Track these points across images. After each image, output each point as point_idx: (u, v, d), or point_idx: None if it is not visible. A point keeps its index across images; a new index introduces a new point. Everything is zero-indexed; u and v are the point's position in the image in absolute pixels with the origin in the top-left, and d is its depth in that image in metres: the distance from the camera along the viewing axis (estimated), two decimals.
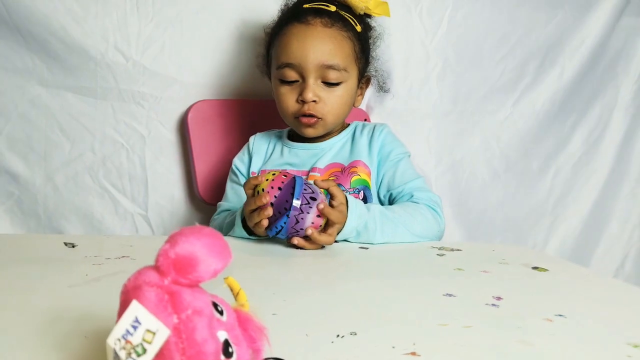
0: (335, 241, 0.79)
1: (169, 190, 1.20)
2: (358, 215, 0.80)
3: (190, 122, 1.14)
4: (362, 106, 1.25)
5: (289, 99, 0.94)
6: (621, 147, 1.36)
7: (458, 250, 0.76)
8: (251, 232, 0.81)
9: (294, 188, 0.74)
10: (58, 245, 0.73)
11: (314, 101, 0.92)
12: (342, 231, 0.78)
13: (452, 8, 1.22)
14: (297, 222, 0.73)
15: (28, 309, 0.48)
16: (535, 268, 0.67)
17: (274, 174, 0.77)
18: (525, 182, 1.32)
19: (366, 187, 0.96)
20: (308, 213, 0.74)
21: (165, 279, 0.29)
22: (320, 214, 0.75)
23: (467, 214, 1.30)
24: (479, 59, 1.25)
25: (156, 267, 0.29)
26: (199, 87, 1.17)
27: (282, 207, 0.74)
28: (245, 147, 1.05)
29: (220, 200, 1.02)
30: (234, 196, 1.00)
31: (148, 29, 1.13)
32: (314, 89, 0.91)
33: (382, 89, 1.11)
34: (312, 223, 0.75)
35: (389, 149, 0.98)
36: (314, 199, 0.75)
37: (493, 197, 1.30)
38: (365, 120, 1.24)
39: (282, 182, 0.75)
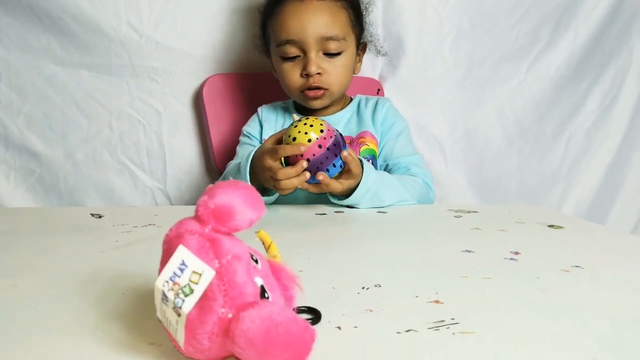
0: (348, 206, 0.81)
1: (186, 164, 1.22)
2: (373, 178, 0.81)
3: (205, 96, 1.16)
4: (375, 75, 1.26)
5: (293, 74, 0.95)
6: (635, 110, 1.35)
7: (475, 212, 0.78)
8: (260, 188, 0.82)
9: (345, 145, 0.76)
10: (85, 216, 0.75)
11: (319, 73, 0.94)
12: (359, 189, 0.79)
13: None
14: (328, 171, 0.75)
15: (65, 272, 0.50)
16: (551, 226, 0.69)
17: (321, 124, 0.75)
18: (539, 147, 1.32)
19: (374, 157, 1.00)
20: (341, 167, 0.76)
21: (206, 227, 0.30)
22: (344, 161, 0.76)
23: (482, 180, 1.30)
24: (492, 25, 1.24)
25: (196, 217, 0.31)
26: (211, 61, 1.18)
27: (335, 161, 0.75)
28: (254, 117, 1.06)
29: None
30: (246, 153, 1.02)
31: (159, 4, 1.14)
32: (316, 61, 0.93)
33: (380, 52, 1.13)
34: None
35: (391, 121, 1.02)
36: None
37: (507, 163, 1.31)
38: (378, 90, 1.25)
39: (335, 133, 0.75)
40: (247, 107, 1.17)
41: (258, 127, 1.05)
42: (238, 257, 0.30)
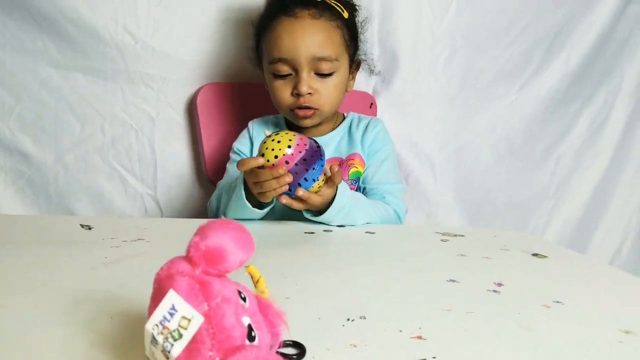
0: (321, 222, 0.83)
1: (177, 171, 1.23)
2: (348, 196, 0.84)
3: (198, 104, 1.16)
4: (369, 89, 1.27)
5: (283, 92, 0.96)
6: (624, 133, 1.37)
7: (461, 235, 0.79)
8: (253, 202, 0.83)
9: (320, 158, 0.76)
10: (75, 227, 0.75)
11: (310, 93, 0.94)
12: (333, 206, 0.81)
13: None
14: (300, 185, 0.76)
15: (55, 290, 0.50)
16: (535, 255, 0.70)
17: (290, 140, 0.75)
18: (528, 166, 1.34)
19: (359, 179, 1.01)
20: (314, 180, 0.76)
21: (196, 269, 0.31)
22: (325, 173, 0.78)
23: (469, 197, 1.32)
24: (486, 44, 1.26)
25: (188, 258, 0.32)
26: (207, 69, 1.18)
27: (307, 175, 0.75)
28: (245, 132, 1.07)
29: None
30: (236, 172, 1.02)
31: (157, 10, 1.14)
32: (308, 81, 0.93)
33: (373, 72, 1.14)
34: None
35: (378, 145, 1.03)
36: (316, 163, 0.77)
37: (496, 181, 1.32)
38: (372, 104, 1.26)
39: (305, 147, 0.76)
40: (240, 116, 1.18)
41: (248, 144, 1.05)
42: (227, 299, 0.31)
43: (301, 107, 0.95)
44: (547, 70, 1.30)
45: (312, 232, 0.79)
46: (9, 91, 1.13)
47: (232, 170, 1.02)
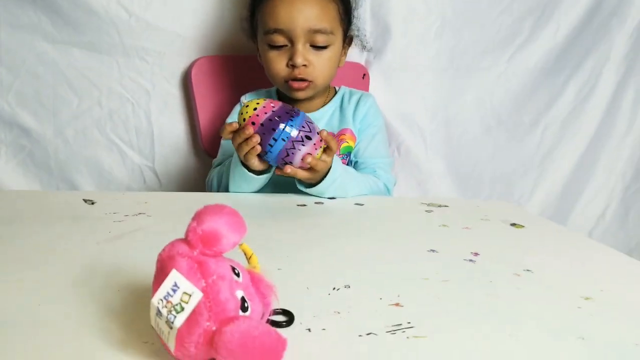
0: (313, 195, 0.87)
1: (174, 143, 1.26)
2: (340, 171, 0.87)
3: (193, 78, 1.18)
4: (361, 60, 1.29)
5: (278, 63, 0.98)
6: (610, 102, 1.40)
7: (445, 206, 0.83)
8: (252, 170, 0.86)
9: (292, 118, 0.79)
10: (78, 202, 0.79)
11: (304, 65, 0.96)
12: (327, 178, 0.85)
13: None
14: (287, 155, 0.79)
15: (62, 264, 0.55)
16: (513, 225, 0.75)
17: (257, 103, 0.80)
18: (515, 137, 1.38)
19: (350, 153, 1.05)
20: (299, 150, 0.79)
21: (194, 250, 0.35)
22: (317, 145, 0.81)
23: (458, 167, 1.36)
24: (476, 16, 1.27)
25: (186, 241, 0.36)
26: (201, 42, 1.20)
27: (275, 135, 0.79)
28: (237, 107, 1.09)
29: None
30: (229, 148, 1.06)
31: None
32: (303, 53, 0.95)
33: (365, 47, 1.16)
34: (302, 160, 0.80)
35: (369, 120, 1.05)
36: (309, 137, 0.80)
37: (484, 152, 1.36)
38: (364, 75, 1.28)
39: (273, 109, 0.79)
40: (234, 89, 1.21)
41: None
42: (222, 277, 0.35)
43: (295, 79, 0.97)
44: (536, 41, 1.32)
45: (304, 205, 0.83)
46: (6, 67, 1.16)
47: (226, 146, 1.05)
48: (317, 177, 0.84)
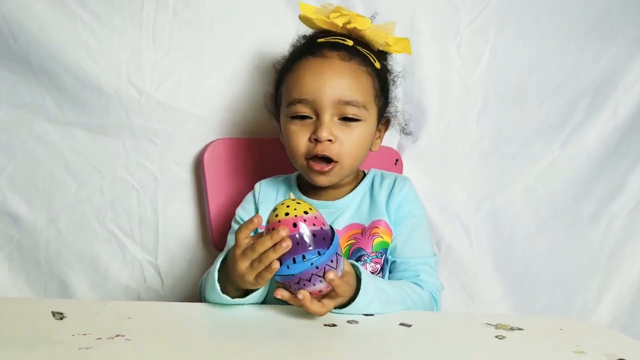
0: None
1: (181, 236, 1.10)
2: (373, 289, 0.69)
3: (206, 162, 1.05)
4: (394, 145, 1.15)
5: (300, 137, 0.83)
6: None
7: (518, 329, 0.63)
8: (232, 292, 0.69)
9: (331, 243, 0.63)
10: (45, 315, 0.62)
11: (330, 140, 0.81)
12: (356, 303, 0.67)
13: (494, 42, 1.12)
14: (309, 280, 0.62)
15: None
16: None
17: (311, 208, 0.63)
18: (575, 232, 1.19)
19: (387, 250, 0.86)
20: (320, 283, 0.62)
21: None
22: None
23: (510, 266, 1.17)
24: (522, 97, 1.14)
25: None
26: (216, 123, 1.08)
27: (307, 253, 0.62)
28: (250, 196, 0.93)
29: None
30: None
31: (164, 62, 1.05)
32: (330, 126, 0.81)
33: (404, 131, 1.00)
34: (320, 291, 0.63)
35: (406, 210, 0.87)
36: (340, 255, 0.63)
37: (539, 249, 1.17)
38: (397, 160, 1.14)
39: (323, 225, 0.63)
40: (252, 176, 1.06)
41: (252, 210, 0.91)
42: None
43: (317, 157, 0.82)
44: (591, 125, 1.17)
45: (334, 325, 0.64)
46: (1, 148, 1.04)
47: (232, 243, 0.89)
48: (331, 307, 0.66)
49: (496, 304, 1.15)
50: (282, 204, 0.64)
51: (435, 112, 1.13)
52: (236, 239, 0.67)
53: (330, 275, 0.62)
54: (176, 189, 1.09)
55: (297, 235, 0.61)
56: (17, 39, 0.98)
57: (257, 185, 0.94)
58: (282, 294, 0.63)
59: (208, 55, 1.07)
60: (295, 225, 0.61)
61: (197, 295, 0.85)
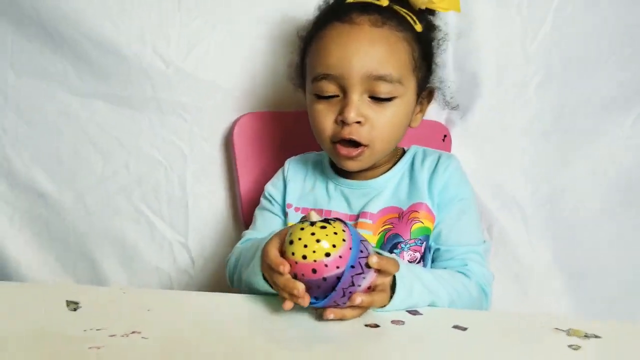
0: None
1: (211, 215, 1.04)
2: (406, 296, 0.60)
3: (236, 138, 0.97)
4: (442, 119, 1.04)
5: (325, 118, 0.73)
6: None
7: (595, 337, 0.53)
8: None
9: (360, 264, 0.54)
10: (59, 304, 0.57)
11: (358, 122, 0.71)
12: (393, 301, 0.59)
13: (559, 1, 0.98)
14: (344, 295, 0.53)
15: None
16: None
17: (334, 246, 0.53)
18: None
19: (428, 237, 0.76)
20: (359, 285, 0.53)
21: None
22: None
23: (570, 259, 1.05)
24: (591, 65, 1.00)
25: None
26: (248, 96, 1.00)
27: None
28: (279, 173, 0.86)
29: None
30: (265, 224, 0.82)
31: (191, 29, 0.97)
32: (358, 106, 0.71)
33: (449, 104, 0.88)
34: (369, 287, 0.55)
35: (452, 192, 0.76)
36: (368, 266, 0.54)
37: (605, 238, 1.04)
38: (444, 137, 1.03)
39: (347, 265, 0.53)
40: (284, 152, 0.97)
41: (282, 186, 0.84)
42: None
43: (344, 140, 0.73)
44: None
45: (377, 326, 0.55)
46: (25, 120, 1.00)
47: (261, 220, 0.82)
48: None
49: (554, 300, 1.04)
50: (299, 238, 0.53)
51: (491, 82, 1.00)
52: (265, 251, 0.59)
53: (373, 259, 0.53)
54: (206, 167, 1.03)
55: (318, 280, 0.52)
56: (34, 4, 0.92)
57: (286, 163, 0.86)
58: (332, 314, 0.54)
59: (240, 22, 0.98)
60: (315, 271, 0.52)
61: (225, 277, 0.79)
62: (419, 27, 0.75)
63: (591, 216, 1.03)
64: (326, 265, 0.52)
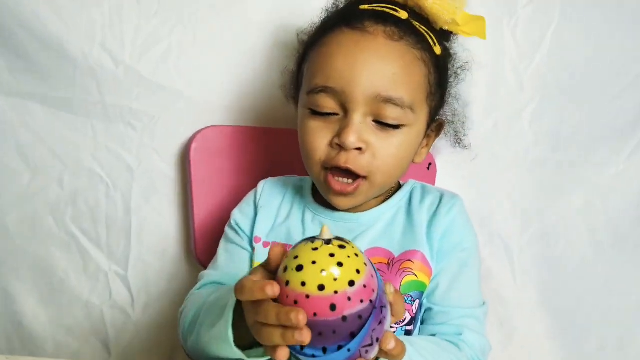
0: None
1: (158, 244, 0.91)
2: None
3: (193, 153, 0.84)
4: None
5: (319, 138, 0.62)
6: None
7: None
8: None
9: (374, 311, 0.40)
10: None
11: (359, 149, 0.60)
12: None
13: (557, 24, 0.91)
14: (371, 342, 0.40)
15: None
16: None
17: (358, 271, 0.40)
18: (638, 260, 0.98)
19: (422, 294, 0.64)
20: (384, 325, 0.41)
21: None
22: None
23: (558, 299, 0.97)
24: (588, 93, 0.94)
25: None
26: (210, 106, 0.88)
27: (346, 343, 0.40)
28: (250, 197, 0.73)
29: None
30: (230, 261, 0.68)
31: (149, 27, 0.85)
32: (360, 130, 0.60)
33: (460, 143, 0.80)
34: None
35: (455, 239, 0.66)
36: (384, 306, 0.41)
37: (595, 280, 0.97)
38: (430, 165, 0.93)
39: (371, 297, 0.40)
40: (250, 175, 0.85)
41: (252, 215, 0.70)
42: None
43: (337, 169, 0.61)
44: None
45: None
46: None
47: (226, 257, 0.68)
48: None
49: (539, 343, 0.96)
50: (316, 257, 0.40)
51: (482, 108, 0.92)
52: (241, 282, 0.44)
53: (390, 344, 0.40)
54: (156, 185, 0.89)
55: (335, 322, 0.39)
56: None
57: (260, 184, 0.73)
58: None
59: (205, 23, 0.86)
60: (334, 308, 0.38)
61: (172, 320, 0.65)
62: (438, 50, 0.65)
63: (580, 256, 0.96)
64: (349, 299, 0.38)
